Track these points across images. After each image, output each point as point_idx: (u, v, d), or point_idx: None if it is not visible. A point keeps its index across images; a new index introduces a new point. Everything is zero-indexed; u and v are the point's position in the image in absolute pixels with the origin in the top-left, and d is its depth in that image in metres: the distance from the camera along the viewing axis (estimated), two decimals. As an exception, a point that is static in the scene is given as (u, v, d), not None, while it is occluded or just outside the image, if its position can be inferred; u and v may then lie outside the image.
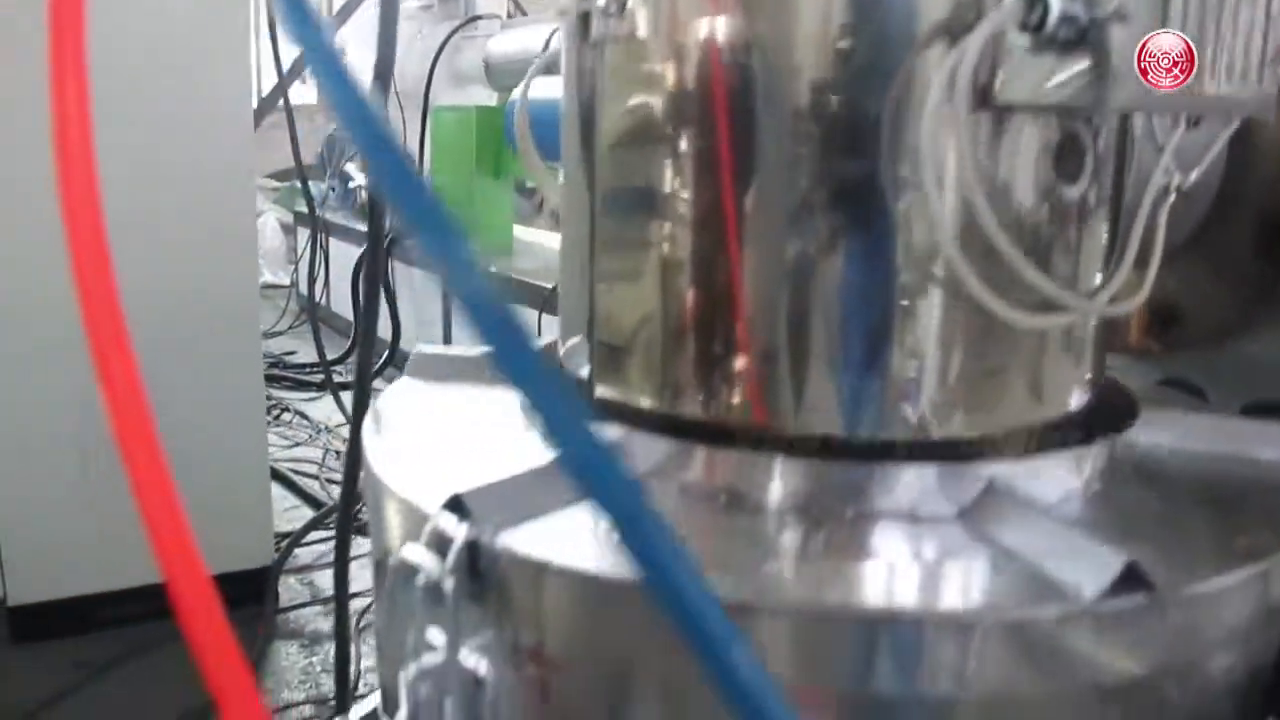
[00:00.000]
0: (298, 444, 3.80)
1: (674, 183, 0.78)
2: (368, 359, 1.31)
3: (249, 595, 2.65)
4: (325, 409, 4.06)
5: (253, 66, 2.97)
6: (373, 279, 1.44)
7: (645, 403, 0.80)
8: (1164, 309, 1.12)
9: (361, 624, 2.54)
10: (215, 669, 0.41)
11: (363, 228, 4.77)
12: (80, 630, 2.47)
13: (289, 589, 2.83)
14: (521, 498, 0.70)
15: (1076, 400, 0.84)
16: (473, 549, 0.67)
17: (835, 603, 0.63)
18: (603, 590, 0.65)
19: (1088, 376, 0.84)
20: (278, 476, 3.24)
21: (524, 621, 0.68)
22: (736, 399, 0.78)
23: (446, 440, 0.88)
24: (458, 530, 0.67)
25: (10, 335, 2.28)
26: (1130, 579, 0.61)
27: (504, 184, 4.31)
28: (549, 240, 4.36)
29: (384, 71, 1.17)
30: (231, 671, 0.41)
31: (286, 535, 2.89)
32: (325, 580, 2.87)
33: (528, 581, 0.67)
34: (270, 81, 4.53)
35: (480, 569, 0.67)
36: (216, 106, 2.44)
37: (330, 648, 2.58)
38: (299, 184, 4.29)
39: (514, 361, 0.37)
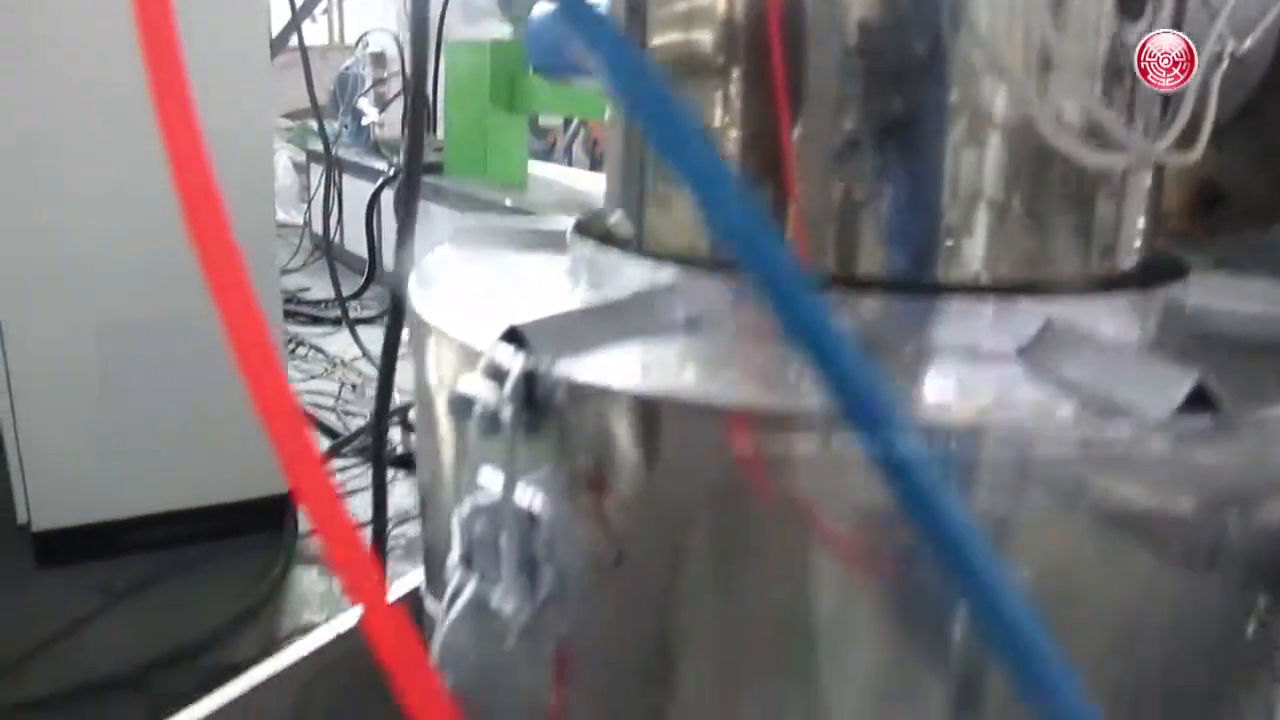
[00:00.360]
0: (314, 377, 3.81)
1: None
2: (405, 277, 1.29)
3: (269, 522, 2.67)
4: (340, 344, 4.08)
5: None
6: (411, 195, 1.42)
7: (701, 248, 0.79)
8: (1208, 189, 1.10)
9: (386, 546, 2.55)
10: (338, 551, 0.43)
11: (376, 164, 4.75)
12: (104, 555, 2.49)
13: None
14: (577, 331, 0.70)
15: (1130, 256, 0.83)
16: (530, 379, 0.67)
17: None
18: (666, 413, 0.64)
19: (1141, 231, 0.83)
20: (295, 408, 3.26)
21: (583, 450, 0.67)
22: (791, 240, 0.76)
23: (493, 293, 0.87)
24: (514, 361, 0.67)
25: (31, 259, 2.27)
26: (1199, 399, 0.61)
27: (518, 119, 4.28)
28: (563, 175, 4.34)
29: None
30: (352, 553, 0.43)
31: (305, 463, 2.91)
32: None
33: (588, 408, 0.66)
34: (281, 20, 4.48)
35: (538, 399, 0.67)
36: (233, 47, 2.42)
37: (351, 571, 2.60)
38: (312, 123, 4.26)
39: (693, 162, 0.36)
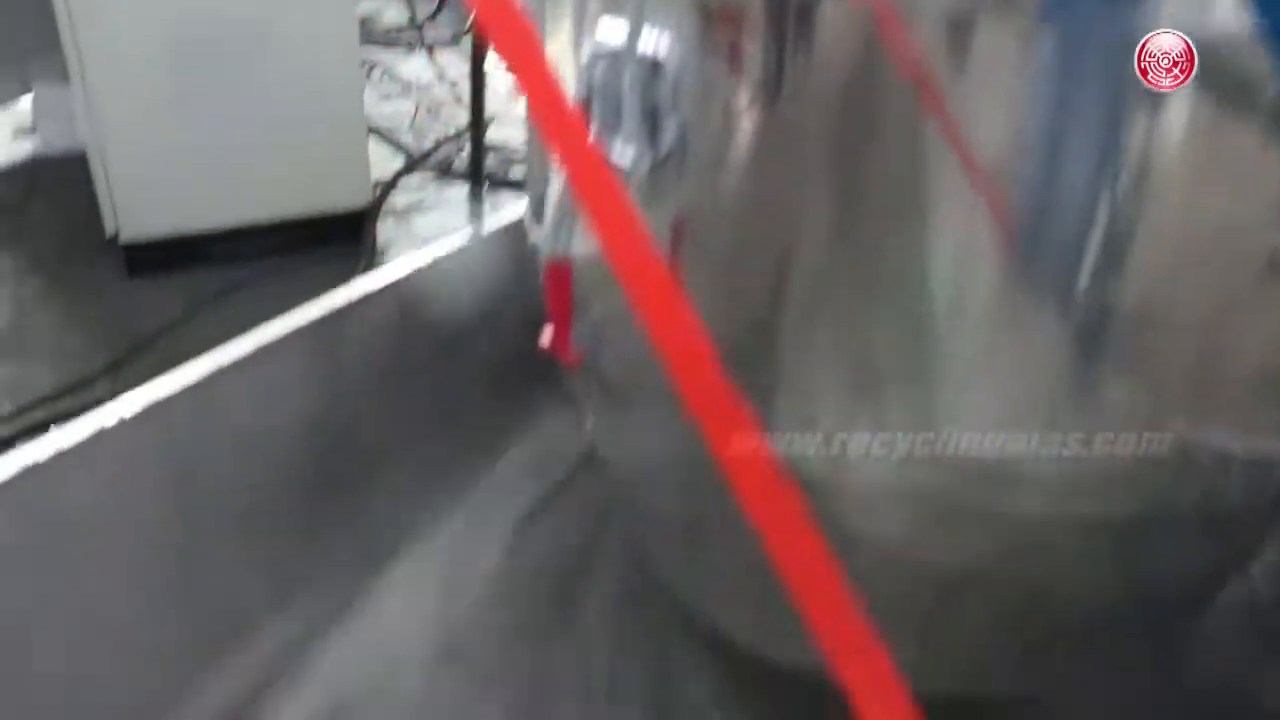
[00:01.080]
0: (388, 96, 3.77)
1: None
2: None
3: (349, 235, 2.69)
4: (414, 69, 4.01)
5: None
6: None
7: None
8: None
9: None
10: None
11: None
12: (191, 266, 2.52)
13: (386, 231, 2.85)
14: None
15: None
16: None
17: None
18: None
19: None
20: (371, 130, 3.22)
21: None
22: None
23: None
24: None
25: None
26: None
27: None
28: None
29: None
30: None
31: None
32: (420, 224, 2.90)
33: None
34: None
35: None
36: None
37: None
38: None
39: None
